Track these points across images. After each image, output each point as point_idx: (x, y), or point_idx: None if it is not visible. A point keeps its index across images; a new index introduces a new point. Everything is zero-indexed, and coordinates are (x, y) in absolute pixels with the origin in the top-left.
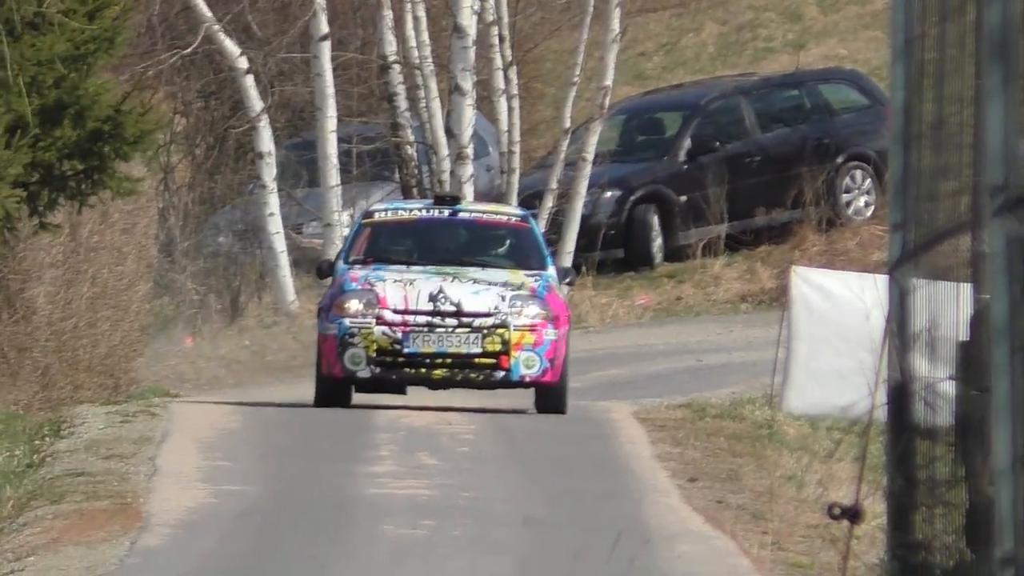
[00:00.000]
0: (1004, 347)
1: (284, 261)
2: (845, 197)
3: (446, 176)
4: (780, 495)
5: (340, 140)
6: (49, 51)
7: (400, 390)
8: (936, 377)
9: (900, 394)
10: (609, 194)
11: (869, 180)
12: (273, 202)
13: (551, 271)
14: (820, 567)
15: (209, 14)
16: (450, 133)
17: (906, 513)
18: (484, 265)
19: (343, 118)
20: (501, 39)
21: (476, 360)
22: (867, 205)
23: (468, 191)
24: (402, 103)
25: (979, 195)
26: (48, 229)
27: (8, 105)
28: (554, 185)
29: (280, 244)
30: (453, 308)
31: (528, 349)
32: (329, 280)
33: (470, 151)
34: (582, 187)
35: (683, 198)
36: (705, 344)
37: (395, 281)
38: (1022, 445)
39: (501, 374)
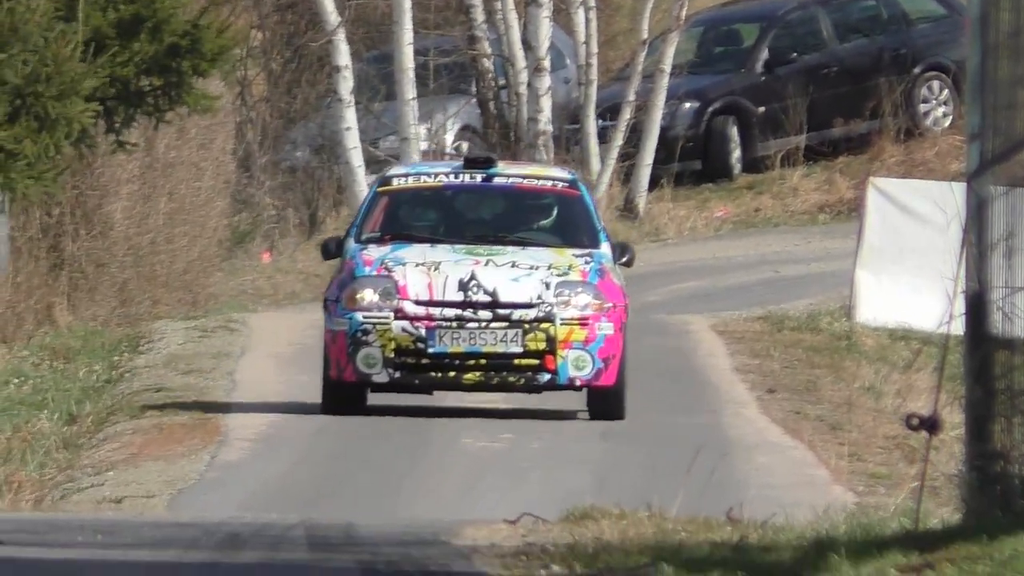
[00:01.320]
0: None
1: (361, 176)
2: (923, 107)
3: (523, 89)
4: (858, 406)
5: (417, 53)
6: None
7: (426, 391)
8: (1015, 286)
9: (978, 304)
10: (687, 106)
11: (947, 90)
12: (350, 116)
13: (605, 249)
14: (898, 478)
15: None
16: (527, 45)
17: (984, 423)
18: (524, 243)
19: (420, 31)
20: None
21: (516, 361)
22: (945, 115)
23: (545, 104)
24: (479, 15)
25: None
26: (125, 147)
27: (86, 19)
28: (632, 97)
29: (357, 158)
30: (487, 298)
31: (578, 347)
32: (337, 262)
33: (547, 63)
34: (660, 99)
35: (761, 109)
36: (783, 255)
37: (417, 265)
38: None
39: (546, 377)
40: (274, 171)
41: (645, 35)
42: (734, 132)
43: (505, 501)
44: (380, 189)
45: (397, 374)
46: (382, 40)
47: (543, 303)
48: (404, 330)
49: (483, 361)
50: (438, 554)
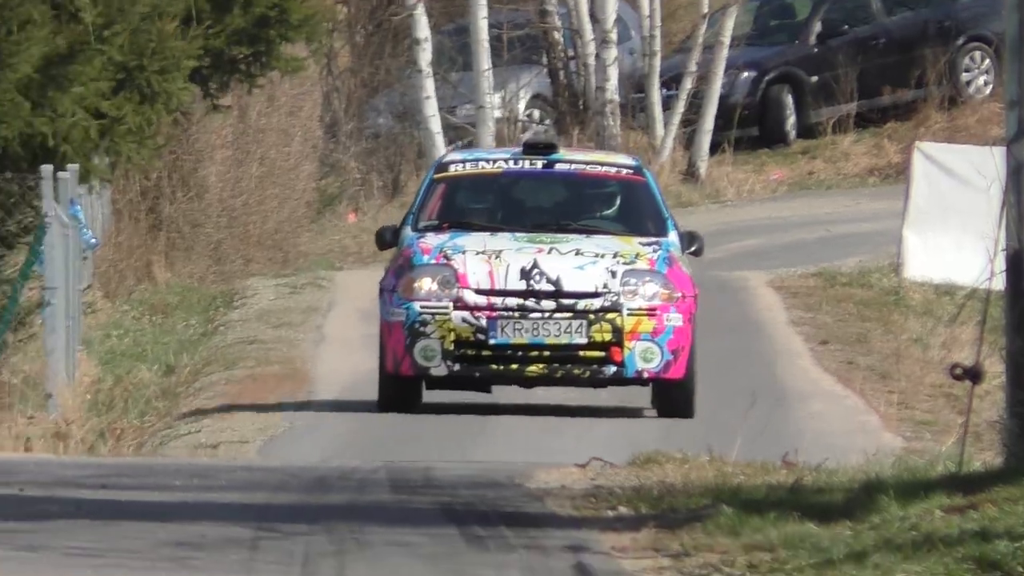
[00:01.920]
0: None
1: (439, 141)
2: (965, 76)
3: (591, 60)
4: (906, 357)
5: (491, 26)
6: None
7: (484, 388)
8: None
9: (1018, 261)
10: (745, 75)
11: (988, 60)
12: (429, 86)
13: (673, 237)
14: (943, 424)
15: None
16: (594, 19)
17: (1021, 373)
18: (588, 231)
19: (494, 5)
20: None
21: (581, 353)
22: (986, 84)
23: (612, 74)
24: None
25: None
26: (219, 110)
27: None
28: (693, 68)
29: (436, 125)
30: (551, 287)
31: (646, 338)
32: (392, 252)
33: (614, 36)
34: (719, 69)
35: (814, 79)
36: (835, 216)
37: (478, 253)
38: None
39: (612, 369)
40: (359, 137)
41: (705, 9)
42: (789, 100)
43: (574, 449)
44: (436, 176)
45: (456, 367)
46: (459, 14)
47: (609, 292)
48: (464, 321)
49: (546, 353)
50: (512, 496)
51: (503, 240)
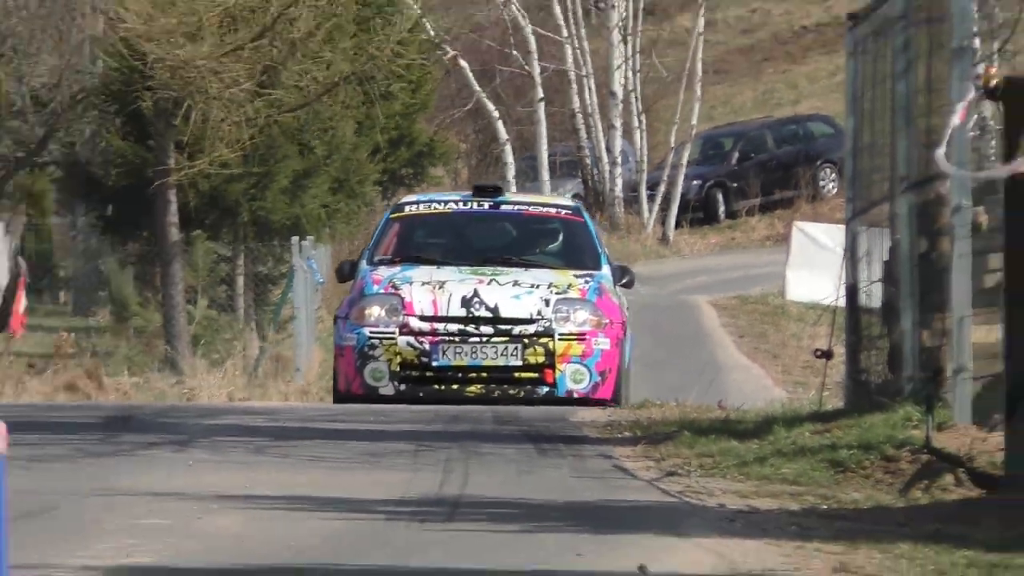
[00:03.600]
0: (907, 264)
1: None
2: (821, 183)
3: (607, 174)
4: (787, 345)
5: (549, 155)
6: (393, 110)
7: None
8: (871, 280)
9: (852, 290)
10: (695, 182)
11: (834, 174)
12: (513, 190)
13: (605, 271)
14: (810, 385)
15: (477, 87)
16: (608, 150)
17: (855, 354)
18: (528, 265)
19: (550, 142)
20: (636, 98)
21: (516, 374)
22: (833, 187)
23: (619, 182)
24: (583, 134)
25: (894, 182)
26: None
27: (371, 139)
28: (665, 178)
29: None
30: (489, 314)
31: (576, 361)
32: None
33: (619, 160)
34: (680, 179)
35: (734, 184)
36: (748, 264)
37: (423, 283)
38: (917, 318)
39: (545, 389)
40: None
41: (672, 144)
42: (720, 197)
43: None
44: (392, 216)
45: (403, 387)
46: (529, 147)
47: (543, 319)
48: (409, 344)
49: (484, 374)
50: (564, 426)
51: (448, 272)
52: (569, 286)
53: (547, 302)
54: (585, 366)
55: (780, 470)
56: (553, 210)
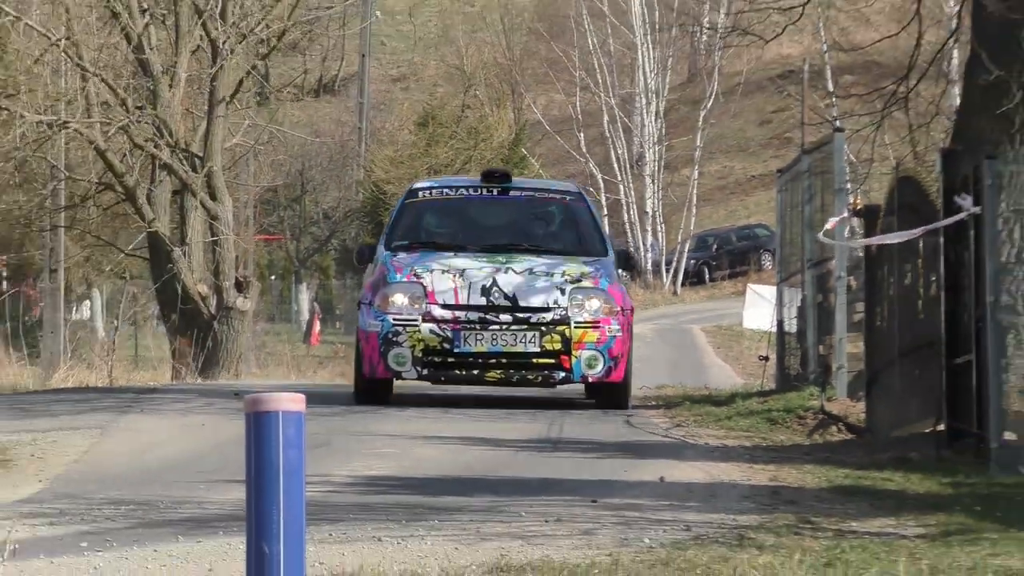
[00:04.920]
0: (811, 308)
1: None
2: (763, 262)
3: (643, 257)
4: (744, 353)
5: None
6: None
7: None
8: (791, 317)
9: (780, 323)
10: (692, 261)
11: (770, 257)
12: None
13: (611, 257)
14: (757, 376)
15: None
16: (643, 244)
17: (782, 358)
18: (538, 251)
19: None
20: (659, 215)
21: (534, 360)
22: (769, 264)
23: (650, 261)
24: (629, 235)
25: (803, 262)
26: None
27: None
28: (675, 259)
29: None
30: (508, 303)
31: (591, 347)
32: (368, 269)
33: (651, 248)
34: (684, 259)
35: (714, 262)
36: (722, 307)
37: (444, 272)
38: (816, 338)
39: (562, 374)
40: None
41: (679, 240)
42: (706, 269)
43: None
44: (408, 201)
45: (425, 371)
46: None
47: (559, 307)
48: (432, 332)
49: (504, 360)
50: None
51: (465, 260)
52: (582, 275)
53: (563, 291)
54: (599, 352)
55: (739, 423)
56: (558, 195)
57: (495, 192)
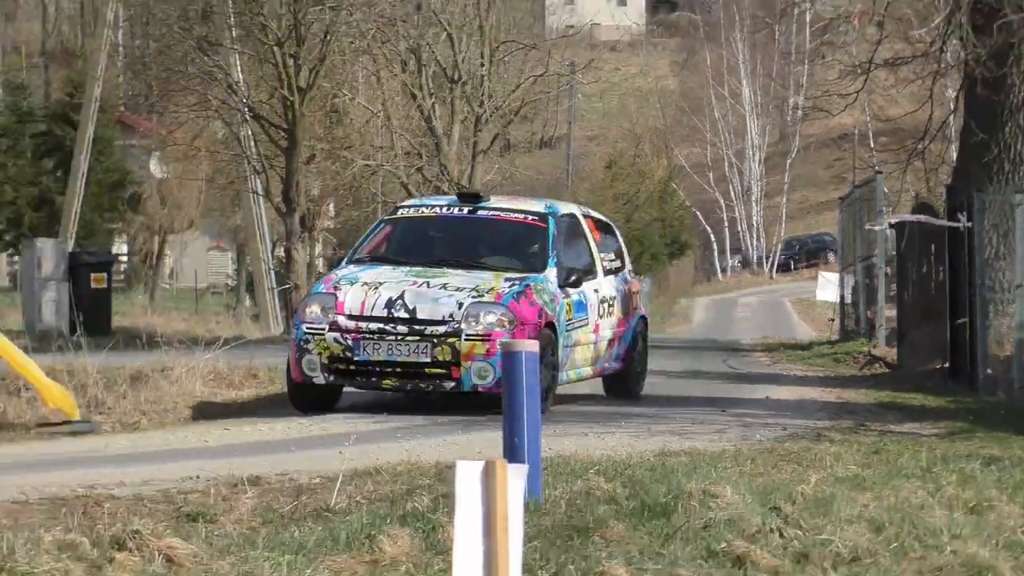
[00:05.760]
0: (863, 288)
1: None
2: (829, 258)
3: (751, 254)
4: (819, 316)
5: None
6: None
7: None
8: (850, 293)
9: (841, 297)
10: (782, 256)
11: (834, 254)
12: None
13: (548, 273)
14: (827, 331)
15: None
16: (750, 243)
17: (843, 319)
18: (479, 267)
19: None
20: (761, 226)
21: (426, 370)
22: (833, 259)
23: (754, 257)
24: (744, 238)
25: (856, 257)
26: None
27: None
28: (771, 254)
29: None
30: (407, 315)
31: (480, 359)
32: None
33: (753, 248)
34: (776, 255)
35: (797, 257)
36: (802, 287)
37: (362, 285)
38: (865, 308)
39: (451, 384)
40: None
41: (774, 243)
42: (791, 262)
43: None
44: (386, 218)
45: (332, 377)
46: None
47: (452, 321)
48: (336, 340)
49: (399, 369)
50: (742, 347)
51: (391, 274)
52: (490, 289)
53: (460, 305)
54: (490, 364)
55: (816, 362)
56: (523, 216)
57: (466, 211)
